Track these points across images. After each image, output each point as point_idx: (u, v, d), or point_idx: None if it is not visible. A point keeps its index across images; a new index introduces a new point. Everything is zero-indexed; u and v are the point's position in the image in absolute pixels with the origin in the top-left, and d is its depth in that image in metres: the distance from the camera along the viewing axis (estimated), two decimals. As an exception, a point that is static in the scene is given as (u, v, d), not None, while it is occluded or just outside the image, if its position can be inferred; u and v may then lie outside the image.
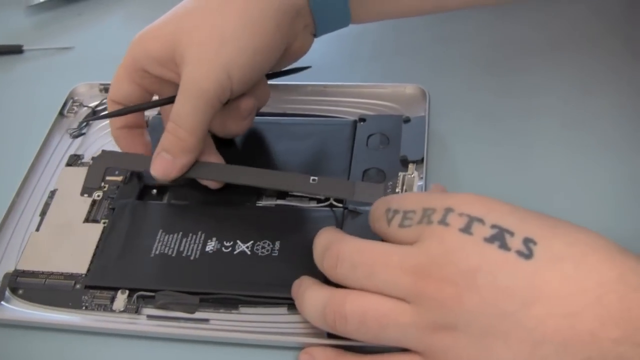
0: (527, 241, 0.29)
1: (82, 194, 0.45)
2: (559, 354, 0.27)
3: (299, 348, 0.36)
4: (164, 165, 0.40)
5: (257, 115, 0.45)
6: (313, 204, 0.42)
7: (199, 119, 0.39)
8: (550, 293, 0.28)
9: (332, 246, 0.33)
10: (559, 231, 0.30)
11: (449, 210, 0.31)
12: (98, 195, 0.44)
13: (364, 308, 0.31)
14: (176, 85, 0.40)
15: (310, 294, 0.34)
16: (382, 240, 0.33)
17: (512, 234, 0.29)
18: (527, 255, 0.29)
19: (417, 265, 0.30)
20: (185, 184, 0.43)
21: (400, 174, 0.39)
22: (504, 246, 0.29)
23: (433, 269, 0.30)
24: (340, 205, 0.41)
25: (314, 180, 0.40)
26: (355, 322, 0.31)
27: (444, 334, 0.29)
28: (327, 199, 0.41)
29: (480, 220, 0.30)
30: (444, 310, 0.29)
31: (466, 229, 0.30)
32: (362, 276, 0.31)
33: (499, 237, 0.29)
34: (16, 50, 0.58)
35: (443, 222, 0.30)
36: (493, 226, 0.30)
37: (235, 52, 0.38)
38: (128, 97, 0.42)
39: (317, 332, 0.36)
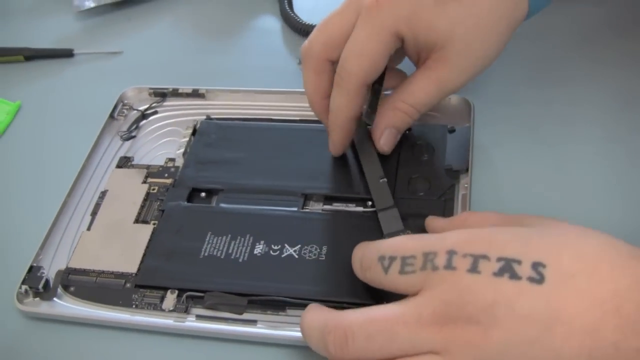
0: (536, 265, 0.29)
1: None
2: None
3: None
4: (393, 140, 0.43)
5: (306, 122, 0.48)
6: (359, 210, 0.42)
7: None
8: (569, 312, 0.28)
9: (332, 325, 0.32)
10: (565, 247, 0.30)
11: (451, 252, 0.30)
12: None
13: None
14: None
15: None
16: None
17: (519, 262, 0.29)
18: (539, 280, 0.28)
19: (435, 313, 0.30)
20: (235, 189, 0.45)
21: None
22: (515, 276, 0.29)
23: (452, 313, 0.29)
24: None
25: (382, 180, 0.42)
26: None
27: None
28: (373, 205, 0.42)
29: (485, 257, 0.30)
30: (474, 349, 0.29)
31: (473, 269, 0.30)
32: (383, 344, 0.30)
33: (507, 269, 0.29)
34: (67, 54, 0.60)
35: (449, 266, 0.30)
36: (499, 259, 0.29)
37: (487, 62, 0.41)
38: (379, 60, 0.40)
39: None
